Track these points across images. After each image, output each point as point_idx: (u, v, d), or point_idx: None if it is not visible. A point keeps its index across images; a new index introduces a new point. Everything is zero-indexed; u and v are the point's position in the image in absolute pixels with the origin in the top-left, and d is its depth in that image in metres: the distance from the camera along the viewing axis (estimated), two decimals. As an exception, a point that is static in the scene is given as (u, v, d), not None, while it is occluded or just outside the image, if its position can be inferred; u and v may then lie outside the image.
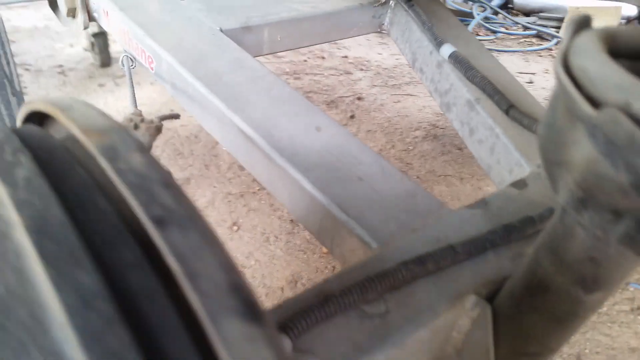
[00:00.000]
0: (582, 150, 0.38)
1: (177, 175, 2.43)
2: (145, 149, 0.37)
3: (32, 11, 4.77)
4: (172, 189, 0.34)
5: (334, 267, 1.88)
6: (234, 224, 2.11)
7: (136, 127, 0.87)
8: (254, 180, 2.40)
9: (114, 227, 0.33)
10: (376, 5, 1.39)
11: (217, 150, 2.66)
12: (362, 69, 3.69)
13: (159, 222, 0.31)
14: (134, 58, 1.13)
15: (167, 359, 0.28)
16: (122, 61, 1.18)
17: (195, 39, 1.06)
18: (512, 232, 0.74)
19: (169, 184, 0.35)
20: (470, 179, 2.39)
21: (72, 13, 1.30)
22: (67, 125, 0.37)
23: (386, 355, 0.57)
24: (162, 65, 1.02)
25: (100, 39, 3.37)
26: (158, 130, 0.90)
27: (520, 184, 0.89)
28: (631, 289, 1.77)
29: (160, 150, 2.66)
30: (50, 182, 0.32)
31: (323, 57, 3.91)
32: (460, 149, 2.66)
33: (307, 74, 3.55)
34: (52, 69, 3.43)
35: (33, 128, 0.44)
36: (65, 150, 0.39)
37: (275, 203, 2.24)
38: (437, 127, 2.89)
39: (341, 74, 3.59)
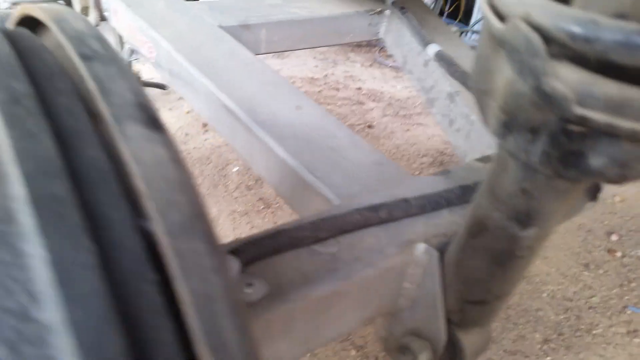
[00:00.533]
0: (503, 74, 0.41)
1: (186, 193, 2.49)
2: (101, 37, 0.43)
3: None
4: (103, 42, 0.41)
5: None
6: (236, 239, 2.14)
7: None
8: (260, 199, 2.45)
9: (68, 95, 0.39)
10: (372, 13, 1.46)
11: (226, 171, 2.73)
12: (374, 100, 3.76)
13: (86, 58, 0.39)
14: (138, 50, 1.21)
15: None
16: (124, 52, 1.26)
17: (194, 31, 1.14)
18: (467, 192, 0.76)
19: (101, 38, 0.41)
20: (474, 203, 2.38)
21: (85, 11, 1.42)
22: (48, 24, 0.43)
23: (333, 286, 0.59)
24: (161, 54, 1.10)
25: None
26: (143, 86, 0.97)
27: (485, 159, 0.91)
28: (629, 312, 1.72)
29: (172, 170, 2.74)
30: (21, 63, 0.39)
31: (337, 89, 4.01)
32: (466, 174, 2.67)
33: (320, 103, 3.64)
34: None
35: (21, 29, 0.49)
36: (42, 47, 0.45)
37: (278, 220, 2.27)
38: (445, 154, 2.91)
39: (354, 104, 3.67)
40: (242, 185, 2.58)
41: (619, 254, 2.02)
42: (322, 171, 0.81)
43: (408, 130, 3.26)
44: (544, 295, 1.80)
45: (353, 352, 1.59)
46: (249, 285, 0.54)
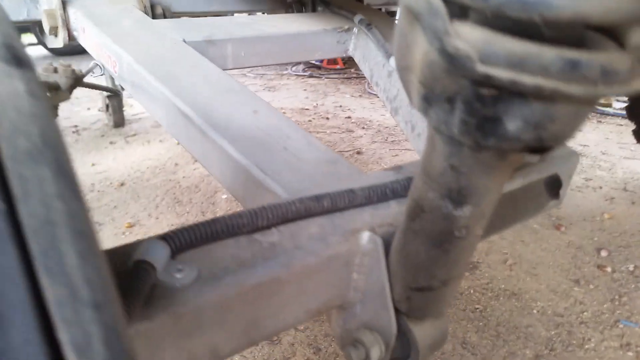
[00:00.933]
0: (419, 47, 0.42)
1: (173, 221, 2.48)
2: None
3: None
4: None
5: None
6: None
7: (55, 70, 0.93)
8: (248, 224, 2.43)
9: None
10: (340, 31, 1.48)
11: (215, 198, 2.72)
12: (363, 128, 3.80)
13: None
14: (104, 66, 1.22)
15: None
16: (91, 68, 1.28)
17: (156, 45, 1.15)
18: None
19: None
20: (463, 224, 2.37)
21: (54, 31, 1.43)
22: None
23: (271, 274, 0.57)
24: (123, 66, 1.10)
25: (115, 101, 3.56)
26: (77, 77, 0.96)
27: None
28: (621, 325, 1.69)
29: (160, 199, 2.73)
30: None
31: (327, 118, 4.05)
32: (454, 196, 2.67)
33: (310, 131, 3.66)
34: (67, 128, 3.62)
35: None
36: None
37: (266, 245, 2.25)
38: (434, 177, 2.91)
39: (343, 132, 3.70)
40: (230, 211, 2.57)
41: (609, 269, 2.00)
42: (274, 169, 0.80)
43: (396, 155, 3.27)
44: (534, 311, 1.77)
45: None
46: (179, 270, 0.52)
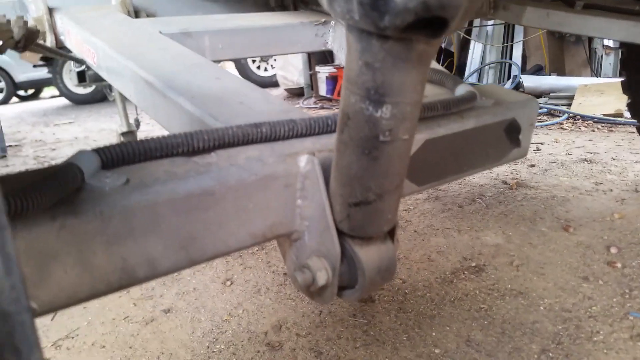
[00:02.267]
0: None
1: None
2: None
3: (76, 127, 5.27)
4: None
5: (320, 311, 1.84)
6: (228, 279, 2.13)
7: (8, 22, 0.97)
8: (254, 243, 2.45)
9: None
10: (317, 24, 1.53)
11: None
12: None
13: None
14: (85, 61, 1.28)
15: None
16: (72, 64, 1.35)
17: (131, 35, 1.20)
18: None
19: None
20: (468, 231, 2.35)
21: (43, 36, 1.52)
22: None
23: (203, 185, 0.58)
24: (100, 55, 1.16)
25: (129, 137, 3.68)
26: (31, 32, 1.01)
27: None
28: (631, 317, 1.63)
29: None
30: None
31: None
32: (461, 206, 2.65)
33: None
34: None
35: None
36: None
37: (272, 260, 2.26)
38: (440, 190, 2.91)
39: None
40: (237, 232, 2.59)
41: (619, 265, 1.95)
42: (227, 118, 0.81)
43: (404, 172, 3.27)
44: (541, 308, 1.73)
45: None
46: (107, 177, 0.54)
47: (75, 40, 1.30)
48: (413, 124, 0.54)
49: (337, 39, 1.53)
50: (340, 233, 0.65)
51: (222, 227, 0.62)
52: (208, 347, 1.71)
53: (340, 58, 1.50)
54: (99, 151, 0.56)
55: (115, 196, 0.53)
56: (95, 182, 0.53)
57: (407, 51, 0.47)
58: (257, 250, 2.37)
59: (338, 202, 0.64)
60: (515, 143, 0.95)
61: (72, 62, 3.09)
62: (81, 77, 5.06)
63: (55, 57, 1.38)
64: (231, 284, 2.10)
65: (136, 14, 1.51)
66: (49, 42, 1.49)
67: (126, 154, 0.58)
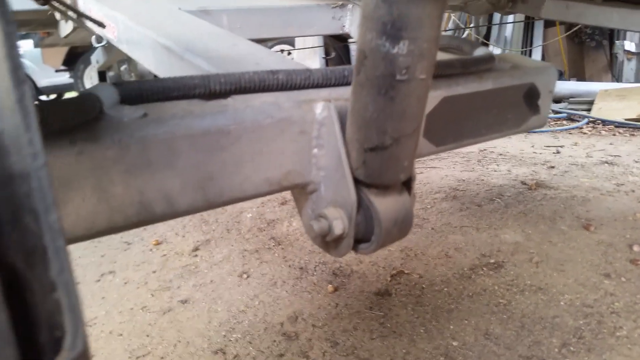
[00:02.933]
0: None
1: (199, 238, 2.53)
2: None
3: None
4: None
5: (337, 304, 1.83)
6: (244, 272, 2.13)
7: None
8: (271, 238, 2.46)
9: None
10: (334, 6, 1.54)
11: (240, 217, 2.76)
12: (388, 151, 3.81)
13: None
14: (105, 37, 1.30)
15: None
16: (93, 39, 1.36)
17: (151, 10, 1.22)
18: None
19: None
20: (487, 229, 2.33)
21: (64, 17, 1.55)
22: None
23: (219, 123, 0.59)
24: (120, 27, 1.18)
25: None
26: None
27: None
28: (658, 310, 1.60)
29: (188, 219, 2.80)
30: None
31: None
32: (479, 205, 2.63)
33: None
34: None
35: None
36: None
37: (288, 255, 2.26)
38: (458, 190, 2.89)
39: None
40: (254, 228, 2.61)
41: (642, 263, 1.91)
42: None
43: (421, 172, 3.26)
44: (562, 303, 1.70)
45: None
46: (126, 109, 0.55)
47: (97, 16, 1.33)
48: (430, 63, 0.54)
49: (354, 21, 1.53)
50: (357, 183, 0.65)
51: (238, 170, 0.62)
52: (225, 336, 1.71)
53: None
54: (118, 85, 0.57)
55: (133, 127, 0.53)
56: (113, 113, 0.54)
57: None
58: (273, 245, 2.38)
59: (354, 148, 0.63)
60: (534, 110, 0.94)
61: (92, 68, 3.13)
62: (102, 79, 5.15)
63: (76, 16, 1.38)
64: (247, 277, 2.11)
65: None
66: (71, 23, 1.52)
67: (144, 91, 0.58)
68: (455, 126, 0.82)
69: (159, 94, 0.59)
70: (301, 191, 0.73)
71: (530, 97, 0.92)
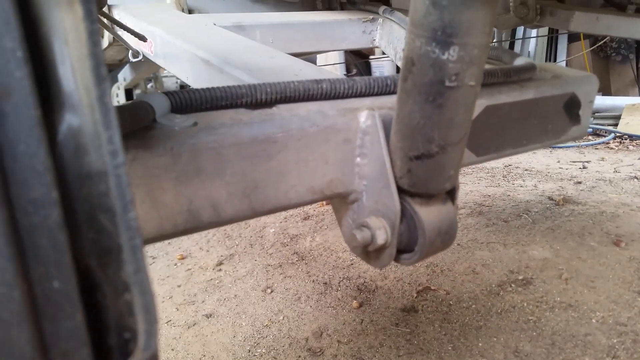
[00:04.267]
0: None
1: (223, 252, 2.54)
2: None
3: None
4: None
5: (362, 320, 1.81)
6: (268, 287, 2.13)
7: None
8: (294, 253, 2.45)
9: None
10: (365, 21, 1.55)
11: (263, 232, 2.77)
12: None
13: None
14: (142, 51, 1.33)
15: None
16: (130, 54, 1.39)
17: (187, 25, 1.25)
18: None
19: None
20: (514, 245, 2.29)
21: (100, 32, 1.57)
22: None
23: (266, 131, 0.59)
24: (157, 42, 1.20)
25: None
26: None
27: None
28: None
29: (212, 234, 2.81)
30: None
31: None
32: (506, 221, 2.59)
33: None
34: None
35: None
36: None
37: (312, 270, 2.25)
38: (484, 205, 2.85)
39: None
40: (277, 243, 2.61)
41: (677, 280, 1.85)
42: None
43: (445, 188, 3.23)
44: (593, 321, 1.66)
45: None
46: (177, 118, 0.56)
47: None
48: (480, 70, 0.53)
49: (384, 35, 1.54)
50: (400, 192, 0.65)
51: (283, 178, 0.62)
52: (249, 351, 1.70)
53: (389, 53, 1.51)
54: (169, 94, 0.58)
55: (184, 135, 0.54)
56: (165, 122, 0.55)
57: None
58: (296, 260, 2.37)
59: (399, 156, 0.63)
60: (575, 120, 0.93)
61: (119, 86, 3.20)
62: (129, 96, 5.26)
63: (115, 30, 1.41)
64: (271, 291, 2.10)
65: (190, 12, 1.57)
66: (107, 38, 1.56)
67: (194, 100, 0.60)
68: (496, 136, 0.82)
69: (207, 103, 0.60)
70: (342, 201, 0.73)
71: (571, 107, 0.91)
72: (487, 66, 0.87)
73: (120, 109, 0.49)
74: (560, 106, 0.89)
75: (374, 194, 0.68)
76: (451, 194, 0.69)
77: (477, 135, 0.78)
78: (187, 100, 0.59)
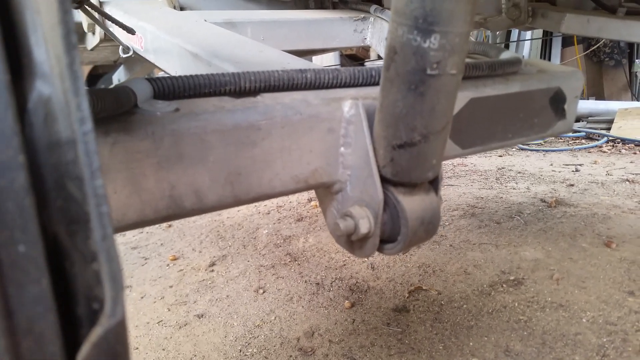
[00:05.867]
0: None
1: (215, 253, 2.53)
2: None
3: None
4: None
5: (354, 319, 1.81)
6: (260, 287, 2.13)
7: None
8: (287, 254, 2.45)
9: None
10: (356, 19, 1.55)
11: (256, 234, 2.77)
12: (405, 169, 3.80)
13: None
14: (132, 47, 1.33)
15: None
16: (120, 49, 1.39)
17: (177, 20, 1.25)
18: None
19: None
20: (506, 246, 2.29)
21: (91, 29, 1.58)
22: None
23: (250, 118, 0.59)
24: (147, 37, 1.20)
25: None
26: None
27: None
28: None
29: (205, 236, 2.81)
30: None
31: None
32: (498, 222, 2.59)
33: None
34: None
35: None
36: None
37: (304, 270, 2.25)
38: (476, 207, 2.86)
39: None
40: (270, 244, 2.61)
41: (667, 280, 1.86)
42: None
43: (438, 190, 3.24)
44: (584, 320, 1.66)
45: None
46: (159, 103, 0.56)
47: (123, 31, 1.36)
48: (461, 59, 0.54)
49: (375, 34, 1.54)
50: (384, 181, 0.65)
51: (267, 166, 0.62)
52: (240, 350, 1.70)
53: (380, 52, 1.51)
54: (151, 80, 0.58)
55: (165, 120, 0.54)
56: (147, 107, 0.55)
57: None
58: (289, 261, 2.37)
59: (382, 145, 0.63)
60: (560, 114, 0.93)
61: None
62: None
63: (106, 21, 1.40)
64: (264, 292, 2.10)
65: (181, 9, 1.57)
66: (98, 34, 1.56)
67: (177, 87, 0.59)
68: (482, 128, 0.82)
69: (190, 89, 0.60)
70: (326, 191, 0.73)
71: (557, 102, 0.92)
72: (473, 59, 0.88)
73: (102, 92, 0.49)
74: (546, 101, 0.90)
75: (357, 184, 0.68)
76: (434, 184, 0.69)
77: (462, 127, 0.78)
78: (170, 87, 0.59)
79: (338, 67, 0.74)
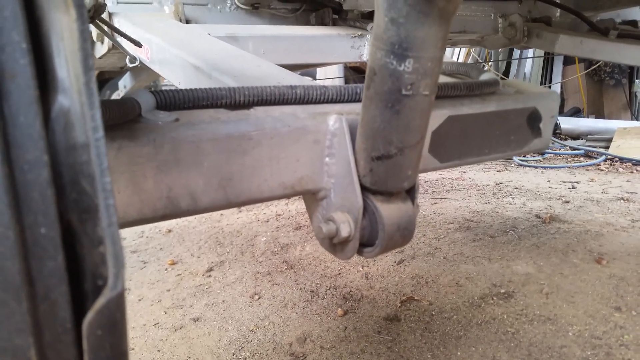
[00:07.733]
0: None
1: (213, 259, 2.58)
2: None
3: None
4: None
5: (346, 327, 1.85)
6: (256, 294, 2.17)
7: None
8: (284, 261, 2.50)
9: None
10: (354, 36, 1.61)
11: (254, 241, 2.81)
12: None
13: None
14: (139, 58, 1.39)
15: None
16: (127, 59, 1.44)
17: (181, 33, 1.31)
18: None
19: None
20: (499, 260, 2.34)
21: (100, 38, 1.65)
22: None
23: (242, 128, 0.65)
24: (153, 49, 1.26)
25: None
26: (99, 4, 1.11)
27: None
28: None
29: (204, 242, 2.86)
30: None
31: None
32: (492, 236, 2.64)
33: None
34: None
35: None
36: None
37: (300, 278, 2.30)
38: (472, 221, 2.90)
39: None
40: (267, 251, 2.65)
41: (654, 297, 1.90)
42: None
43: (435, 203, 3.29)
44: (570, 334, 1.70)
45: None
46: (161, 114, 0.62)
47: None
48: (433, 81, 0.59)
49: (372, 51, 1.60)
50: (364, 190, 0.70)
51: (256, 172, 0.68)
52: (234, 354, 1.74)
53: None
54: (154, 93, 0.64)
55: (166, 129, 0.60)
56: (150, 117, 0.61)
57: (429, 7, 0.53)
58: (285, 268, 2.41)
59: (362, 156, 0.69)
60: (536, 133, 0.99)
61: (119, 94, 3.26)
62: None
63: (113, 35, 1.46)
64: (259, 298, 2.14)
65: (187, 22, 1.64)
66: (106, 44, 1.62)
67: (177, 99, 0.66)
68: (459, 144, 0.88)
69: (190, 102, 0.66)
70: (312, 197, 0.79)
71: (533, 121, 0.97)
72: (453, 80, 0.93)
73: (110, 103, 0.54)
74: (522, 119, 0.95)
75: (340, 191, 0.73)
76: (411, 193, 0.74)
77: (441, 142, 0.84)
78: (171, 99, 0.65)
79: (343, 79, 0.79)
